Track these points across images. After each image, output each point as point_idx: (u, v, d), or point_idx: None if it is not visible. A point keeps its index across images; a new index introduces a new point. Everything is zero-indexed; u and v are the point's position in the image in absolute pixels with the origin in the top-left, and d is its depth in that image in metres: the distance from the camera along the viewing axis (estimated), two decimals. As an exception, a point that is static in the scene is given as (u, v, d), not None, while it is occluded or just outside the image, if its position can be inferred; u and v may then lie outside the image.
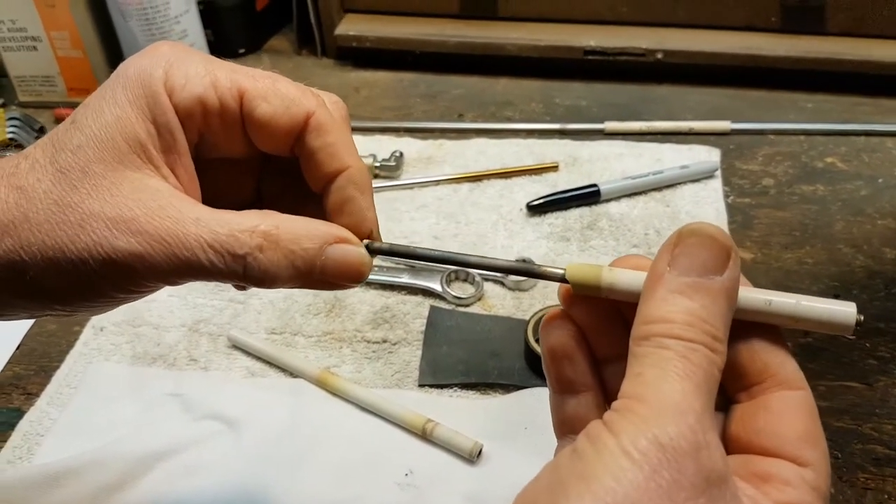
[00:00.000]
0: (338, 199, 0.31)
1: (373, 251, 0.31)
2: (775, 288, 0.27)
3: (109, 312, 0.61)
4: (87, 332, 0.61)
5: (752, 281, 0.28)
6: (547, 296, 0.62)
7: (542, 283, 0.63)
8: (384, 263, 0.65)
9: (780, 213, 0.70)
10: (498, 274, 0.63)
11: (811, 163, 0.76)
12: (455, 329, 0.59)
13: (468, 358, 0.57)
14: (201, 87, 0.29)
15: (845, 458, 0.50)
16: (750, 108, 0.84)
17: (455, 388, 0.55)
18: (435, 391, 0.55)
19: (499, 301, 0.62)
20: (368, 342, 0.59)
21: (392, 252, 0.31)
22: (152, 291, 0.30)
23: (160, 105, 0.29)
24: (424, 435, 0.51)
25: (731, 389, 0.27)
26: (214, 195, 0.32)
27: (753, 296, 0.26)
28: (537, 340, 0.56)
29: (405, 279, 0.63)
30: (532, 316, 0.57)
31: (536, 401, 0.52)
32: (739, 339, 0.26)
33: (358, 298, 0.63)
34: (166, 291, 0.64)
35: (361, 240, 0.31)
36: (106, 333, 0.61)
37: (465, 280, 0.63)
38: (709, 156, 0.77)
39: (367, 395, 0.53)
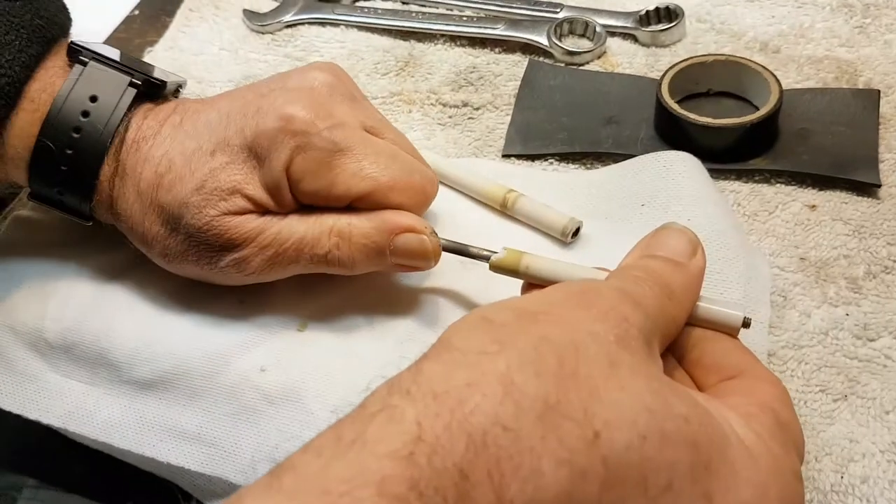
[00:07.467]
0: None
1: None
2: None
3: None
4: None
5: None
6: (696, 51, 0.45)
7: (689, 36, 0.46)
8: (475, 14, 0.50)
9: None
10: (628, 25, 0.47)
11: None
12: (559, 89, 0.44)
13: (574, 124, 0.42)
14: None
15: None
16: None
17: (551, 161, 0.41)
18: (524, 163, 0.41)
19: (626, 59, 0.46)
20: (445, 105, 0.45)
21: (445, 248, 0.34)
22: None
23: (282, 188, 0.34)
24: (504, 209, 0.37)
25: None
26: None
27: None
28: (676, 100, 0.39)
29: (500, 30, 0.47)
30: (670, 68, 0.41)
31: (665, 170, 0.36)
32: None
33: (438, 56, 0.48)
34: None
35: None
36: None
37: (581, 34, 0.47)
38: None
39: (431, 159, 0.39)
